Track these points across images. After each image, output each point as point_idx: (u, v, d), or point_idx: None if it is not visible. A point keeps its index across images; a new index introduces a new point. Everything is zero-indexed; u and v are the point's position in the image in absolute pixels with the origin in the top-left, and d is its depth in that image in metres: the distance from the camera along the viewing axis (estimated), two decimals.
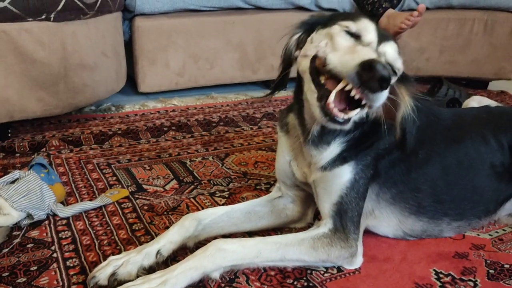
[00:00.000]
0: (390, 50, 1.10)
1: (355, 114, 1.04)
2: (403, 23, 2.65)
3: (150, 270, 1.18)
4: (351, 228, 1.22)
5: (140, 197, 1.61)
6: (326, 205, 1.23)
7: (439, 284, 1.20)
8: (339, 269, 1.24)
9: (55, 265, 1.23)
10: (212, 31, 2.84)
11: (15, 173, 1.48)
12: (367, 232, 1.37)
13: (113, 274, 1.14)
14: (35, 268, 1.22)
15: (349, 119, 1.04)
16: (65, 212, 1.46)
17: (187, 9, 2.77)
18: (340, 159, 1.22)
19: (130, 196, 1.61)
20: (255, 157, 2.00)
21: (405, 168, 1.32)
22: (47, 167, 1.54)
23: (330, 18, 1.19)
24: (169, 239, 1.23)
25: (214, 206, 1.57)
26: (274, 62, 3.00)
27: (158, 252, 1.20)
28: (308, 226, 1.45)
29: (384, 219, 1.35)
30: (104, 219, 1.46)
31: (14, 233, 1.37)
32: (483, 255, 1.33)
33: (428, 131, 1.35)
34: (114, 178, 1.75)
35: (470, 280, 1.22)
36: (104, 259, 1.21)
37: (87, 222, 1.44)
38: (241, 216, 1.37)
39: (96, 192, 1.64)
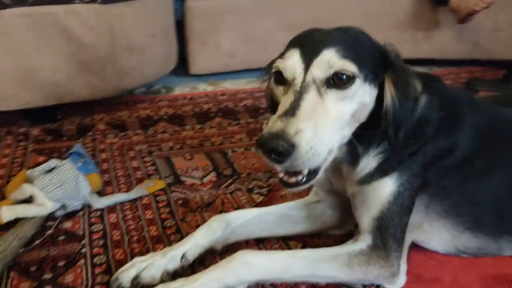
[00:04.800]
0: (318, 72, 0.95)
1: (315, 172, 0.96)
2: (476, 5, 2.39)
3: (174, 274, 1.13)
4: (392, 245, 1.09)
5: (176, 190, 1.57)
6: (365, 220, 1.11)
7: None
8: (378, 287, 1.12)
9: (82, 261, 1.22)
10: (266, 11, 2.71)
11: (52, 162, 1.47)
12: (415, 246, 1.23)
13: (136, 277, 1.10)
14: (62, 263, 1.21)
15: (309, 179, 0.96)
16: (99, 203, 1.44)
17: None
18: (380, 172, 1.09)
19: (166, 189, 1.57)
20: None
21: (460, 177, 1.16)
22: (84, 157, 1.52)
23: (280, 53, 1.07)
24: (195, 242, 1.17)
25: (250, 203, 1.49)
26: None
27: (183, 256, 1.14)
28: (349, 233, 1.33)
29: (435, 233, 1.21)
30: (137, 213, 1.43)
31: (48, 223, 1.36)
32: None
33: (489, 137, 1.17)
34: (153, 167, 1.71)
35: None
36: (131, 258, 1.18)
37: (120, 215, 1.42)
38: (274, 219, 1.28)
39: (134, 182, 1.61)
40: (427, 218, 1.18)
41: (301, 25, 2.76)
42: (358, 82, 0.97)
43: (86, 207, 1.44)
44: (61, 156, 1.72)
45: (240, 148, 1.88)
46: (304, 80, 0.96)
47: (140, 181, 1.62)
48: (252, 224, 1.25)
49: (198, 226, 1.34)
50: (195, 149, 1.88)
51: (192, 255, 1.15)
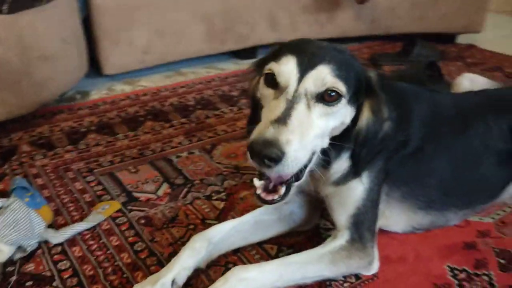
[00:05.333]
0: (311, 85, 1.00)
1: (287, 190, 1.04)
2: None
3: None
4: (368, 236, 1.20)
5: (134, 208, 1.52)
6: (342, 218, 1.20)
7: (456, 282, 1.21)
8: (357, 276, 1.23)
9: None
10: (178, 3, 2.65)
11: None
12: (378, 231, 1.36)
13: None
14: None
15: (285, 194, 1.04)
16: (57, 238, 1.36)
17: None
18: (352, 173, 1.18)
19: (123, 209, 1.52)
20: (243, 146, 1.92)
21: (414, 164, 1.29)
22: (30, 190, 1.41)
23: (272, 55, 1.11)
24: (182, 266, 1.16)
25: (214, 211, 1.51)
26: (243, 31, 2.88)
27: (173, 282, 1.14)
28: (316, 227, 1.42)
29: (394, 217, 1.34)
30: (101, 241, 1.37)
31: (8, 269, 1.26)
32: (490, 243, 1.35)
33: (432, 124, 1.31)
34: (100, 187, 1.64)
35: (484, 274, 1.24)
36: None
37: (83, 246, 1.35)
38: (250, 228, 1.32)
39: (85, 207, 1.53)
40: (388, 205, 1.30)
41: (215, 16, 2.78)
42: (344, 101, 1.03)
43: (44, 244, 1.35)
44: None
45: (183, 153, 1.87)
46: (296, 90, 1.00)
47: (91, 205, 1.54)
48: (230, 236, 1.28)
49: (170, 244, 1.35)
50: (137, 160, 1.82)
51: (181, 279, 1.15)
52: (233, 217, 1.35)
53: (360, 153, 1.13)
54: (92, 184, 1.66)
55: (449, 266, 1.26)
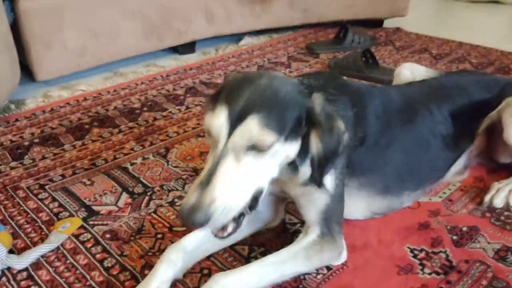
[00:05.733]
0: (239, 140, 1.00)
1: (238, 224, 1.10)
2: None
3: None
4: (336, 228, 1.26)
5: (96, 223, 1.49)
6: (313, 214, 1.25)
7: (418, 262, 1.31)
8: (328, 267, 1.29)
9: None
10: (108, 1, 2.56)
11: None
12: None
13: None
14: None
15: (237, 227, 1.10)
16: (21, 263, 1.30)
17: None
18: (316, 184, 1.20)
19: (85, 224, 1.48)
20: (197, 146, 1.92)
21: (371, 156, 1.37)
22: None
23: (216, 94, 1.13)
24: (161, 279, 1.17)
25: (178, 217, 1.51)
26: (181, 26, 2.85)
27: None
28: (282, 223, 1.47)
29: (354, 205, 1.41)
30: (68, 261, 1.33)
31: None
32: (442, 221, 1.46)
33: (385, 117, 1.39)
34: (56, 204, 1.58)
35: (441, 251, 1.35)
36: None
37: (50, 269, 1.31)
38: None
39: (43, 227, 1.47)
40: (348, 194, 1.37)
41: (151, 12, 2.72)
42: (278, 144, 1.03)
43: (7, 270, 1.29)
44: None
45: (137, 159, 1.84)
46: (225, 145, 1.01)
47: (50, 224, 1.48)
48: (203, 242, 1.29)
49: (141, 257, 1.34)
50: (90, 171, 1.77)
51: None
52: None
53: (321, 173, 1.13)
54: (47, 202, 1.59)
55: (409, 247, 1.36)
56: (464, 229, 1.43)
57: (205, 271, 1.28)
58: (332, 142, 1.10)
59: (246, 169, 1.02)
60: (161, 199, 1.60)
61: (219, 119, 1.03)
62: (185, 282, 1.25)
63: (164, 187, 1.66)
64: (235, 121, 1.01)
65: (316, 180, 1.14)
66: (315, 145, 1.10)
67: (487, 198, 1.51)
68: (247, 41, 3.23)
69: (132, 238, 1.42)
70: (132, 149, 1.92)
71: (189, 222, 0.97)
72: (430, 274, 1.27)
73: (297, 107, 1.07)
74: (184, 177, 1.72)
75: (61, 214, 1.53)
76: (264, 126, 1.00)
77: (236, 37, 3.25)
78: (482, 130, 1.56)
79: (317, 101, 1.10)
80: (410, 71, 1.78)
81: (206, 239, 1.29)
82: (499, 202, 1.49)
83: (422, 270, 1.28)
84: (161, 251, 1.32)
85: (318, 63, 2.84)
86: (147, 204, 1.57)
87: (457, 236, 1.40)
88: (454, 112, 1.51)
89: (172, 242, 1.28)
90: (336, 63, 2.68)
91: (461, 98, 1.55)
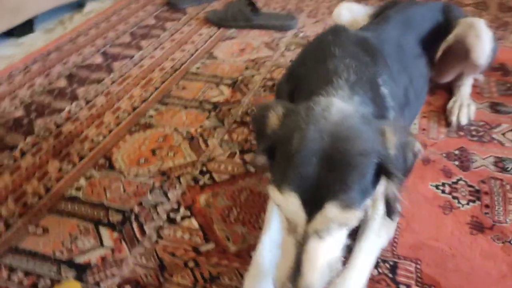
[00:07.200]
0: (320, 225, 0.84)
1: None
2: None
3: None
4: None
5: (98, 278, 1.13)
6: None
7: (450, 197, 1.34)
8: None
9: None
10: None
11: None
12: None
13: None
14: None
15: None
16: None
17: None
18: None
19: (85, 285, 1.11)
20: (141, 144, 1.59)
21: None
22: None
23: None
24: None
25: (190, 231, 1.25)
26: (14, 3, 2.25)
27: None
28: None
29: None
30: None
31: None
32: (434, 151, 1.52)
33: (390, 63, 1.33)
34: (21, 274, 1.14)
35: (457, 180, 1.42)
36: None
37: None
38: None
39: None
40: None
41: None
42: (359, 211, 0.87)
43: None
44: None
45: (79, 181, 1.44)
46: (306, 230, 0.85)
47: None
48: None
49: None
50: (29, 217, 1.32)
51: None
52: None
53: (394, 209, 0.99)
54: (4, 274, 1.14)
55: (431, 185, 1.39)
56: (456, 152, 1.53)
57: None
58: (408, 173, 0.96)
59: (332, 244, 0.88)
60: (153, 219, 1.30)
61: (292, 206, 0.84)
62: None
63: (144, 203, 1.35)
64: (312, 211, 0.83)
65: (390, 215, 1.02)
66: (391, 190, 0.94)
67: (454, 119, 1.63)
68: (92, 6, 2.73)
69: (162, 279, 1.13)
70: (60, 169, 1.49)
71: None
72: (468, 204, 1.33)
73: (374, 155, 0.86)
74: (156, 185, 1.42)
75: (38, 285, 1.12)
76: (346, 208, 0.82)
77: (75, 5, 2.73)
78: (439, 55, 1.63)
79: (391, 139, 0.90)
80: (349, 11, 1.74)
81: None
82: (464, 120, 1.63)
83: (459, 203, 1.33)
84: (205, 279, 1.10)
85: (193, 19, 2.58)
86: (143, 233, 1.26)
87: (457, 161, 1.49)
88: (421, 42, 1.53)
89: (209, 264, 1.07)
90: (217, 16, 2.48)
91: (419, 29, 1.57)
